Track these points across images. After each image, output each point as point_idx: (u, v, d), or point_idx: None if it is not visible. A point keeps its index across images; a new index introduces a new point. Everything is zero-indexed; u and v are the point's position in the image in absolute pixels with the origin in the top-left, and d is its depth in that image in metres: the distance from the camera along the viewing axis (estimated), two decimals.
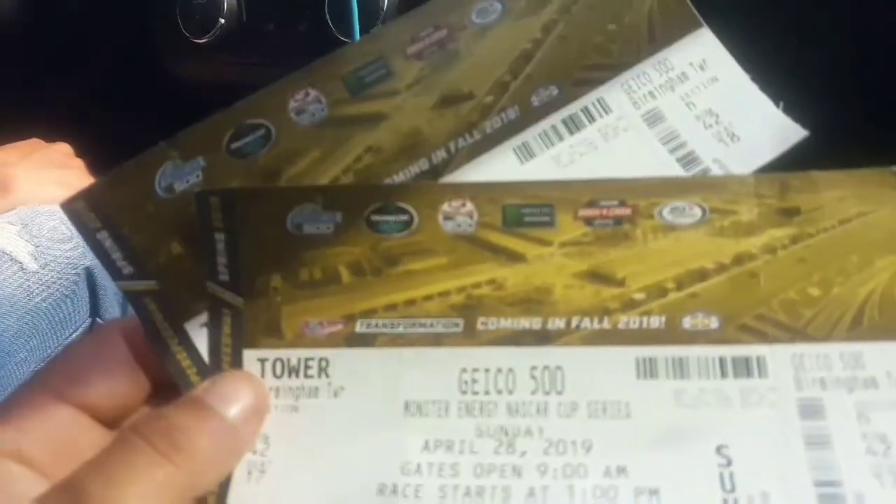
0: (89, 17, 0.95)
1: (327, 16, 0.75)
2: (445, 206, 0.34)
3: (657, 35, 0.38)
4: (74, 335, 0.74)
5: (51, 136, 0.87)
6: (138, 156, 0.35)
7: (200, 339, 0.34)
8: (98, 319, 0.76)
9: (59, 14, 0.96)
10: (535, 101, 0.38)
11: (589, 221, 0.33)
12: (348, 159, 0.36)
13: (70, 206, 0.34)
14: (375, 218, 0.34)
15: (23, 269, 0.70)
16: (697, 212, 0.33)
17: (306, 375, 0.33)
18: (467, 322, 0.33)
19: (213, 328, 0.34)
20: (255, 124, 0.36)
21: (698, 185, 0.34)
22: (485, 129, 0.37)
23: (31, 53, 0.85)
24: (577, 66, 0.38)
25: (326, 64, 0.37)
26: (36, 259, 0.71)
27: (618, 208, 0.33)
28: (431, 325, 0.33)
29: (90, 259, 0.74)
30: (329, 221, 0.34)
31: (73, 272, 0.73)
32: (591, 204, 0.33)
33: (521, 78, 0.38)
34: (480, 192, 0.34)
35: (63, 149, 0.86)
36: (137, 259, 0.34)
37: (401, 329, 0.33)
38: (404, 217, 0.34)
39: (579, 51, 0.38)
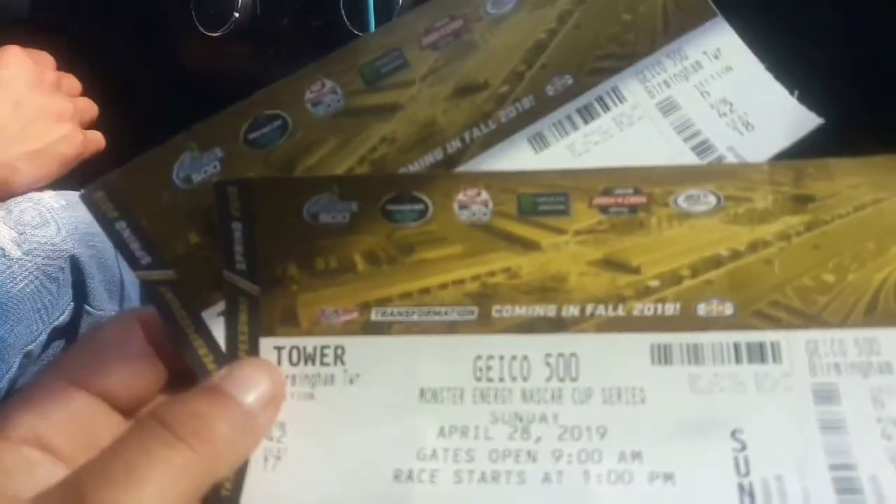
0: (99, 12, 0.95)
1: (342, 10, 0.75)
2: (460, 196, 0.34)
3: (672, 24, 0.38)
4: (60, 319, 0.73)
5: None
6: (156, 147, 0.35)
7: (217, 327, 0.34)
8: (87, 306, 0.76)
9: (70, 9, 0.97)
10: (550, 90, 0.38)
11: (604, 209, 0.33)
12: (364, 149, 0.37)
13: (90, 197, 0.34)
14: (391, 207, 0.34)
15: (5, 255, 0.69)
16: (712, 199, 0.33)
17: (322, 363, 0.33)
18: (482, 310, 0.33)
19: (230, 317, 0.34)
20: (272, 115, 0.36)
21: (713, 172, 0.34)
22: (499, 119, 0.37)
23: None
24: (591, 56, 0.38)
25: (342, 55, 0.37)
26: (19, 246, 0.70)
27: (633, 196, 0.33)
28: (446, 313, 0.33)
29: (74, 246, 0.74)
30: (345, 211, 0.34)
31: (58, 258, 0.73)
32: (606, 192, 0.33)
33: (535, 68, 0.38)
34: (495, 182, 0.34)
35: (47, 60, 0.82)
36: (155, 249, 0.34)
37: (416, 317, 0.33)
38: (419, 206, 0.34)
39: (594, 40, 0.38)
